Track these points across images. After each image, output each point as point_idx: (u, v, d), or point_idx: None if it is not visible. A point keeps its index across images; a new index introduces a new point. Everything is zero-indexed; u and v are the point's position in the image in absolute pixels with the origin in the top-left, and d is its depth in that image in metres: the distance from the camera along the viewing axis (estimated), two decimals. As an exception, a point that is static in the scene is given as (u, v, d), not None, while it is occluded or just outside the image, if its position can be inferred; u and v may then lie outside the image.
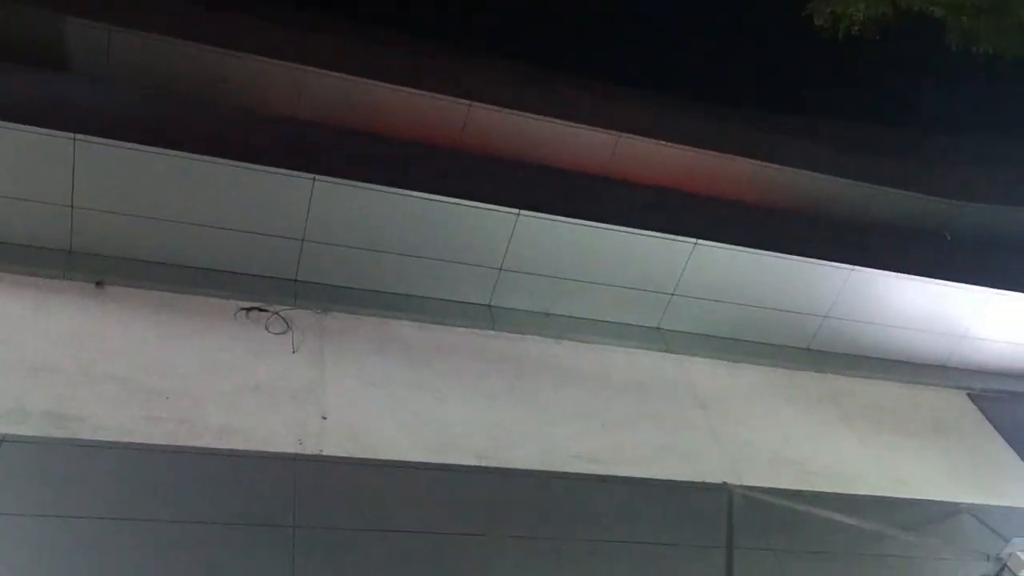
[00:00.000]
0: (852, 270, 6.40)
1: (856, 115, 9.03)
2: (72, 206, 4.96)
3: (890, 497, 5.40)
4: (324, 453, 4.41)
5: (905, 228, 7.91)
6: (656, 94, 8.20)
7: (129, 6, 6.26)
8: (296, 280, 5.50)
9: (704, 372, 6.07)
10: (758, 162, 7.65)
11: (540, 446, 4.94)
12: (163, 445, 4.14)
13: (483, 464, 4.68)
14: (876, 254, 6.77)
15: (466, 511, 4.35)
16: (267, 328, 5.13)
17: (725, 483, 5.05)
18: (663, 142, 7.32)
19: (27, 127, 4.73)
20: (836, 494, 5.24)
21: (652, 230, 5.96)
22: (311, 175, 5.21)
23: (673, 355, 6.13)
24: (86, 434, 4.06)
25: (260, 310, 5.22)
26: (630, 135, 7.25)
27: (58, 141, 4.78)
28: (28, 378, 4.26)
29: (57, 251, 5.03)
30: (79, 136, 4.79)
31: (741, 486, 5.04)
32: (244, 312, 5.17)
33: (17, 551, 3.50)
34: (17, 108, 4.86)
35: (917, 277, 6.58)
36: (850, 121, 9.07)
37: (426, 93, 6.74)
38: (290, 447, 4.39)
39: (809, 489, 5.22)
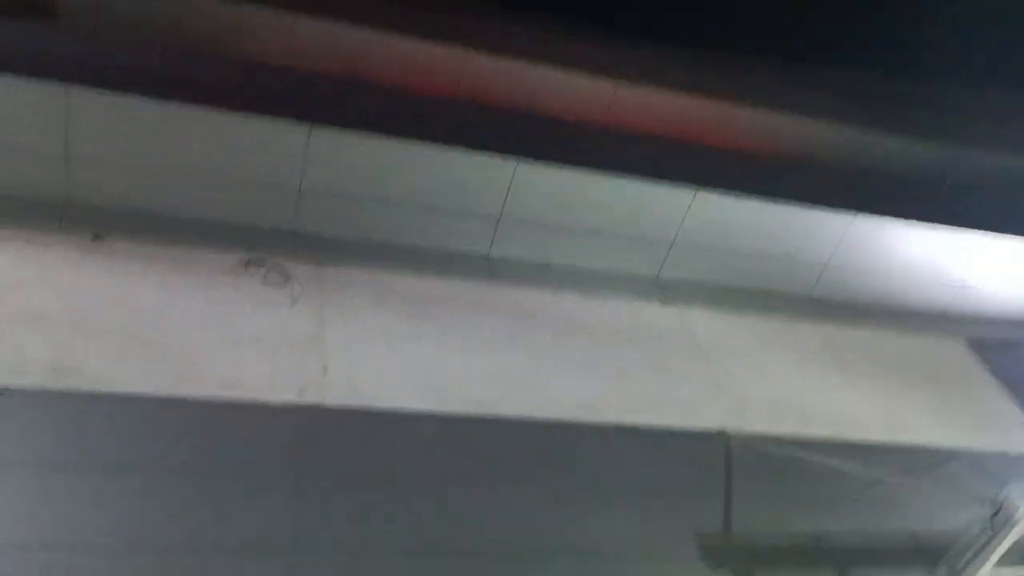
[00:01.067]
0: (853, 217, 6.37)
1: (856, 61, 8.88)
2: (67, 158, 4.92)
3: (888, 444, 5.44)
4: (324, 404, 4.44)
5: (906, 175, 7.85)
6: (655, 41, 8.06)
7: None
8: (295, 232, 5.48)
9: (704, 321, 6.08)
10: (758, 109, 7.56)
11: (539, 395, 4.97)
12: (163, 396, 4.16)
13: (482, 413, 4.71)
14: (877, 202, 6.73)
15: (466, 459, 4.40)
16: (265, 280, 5.12)
17: (723, 430, 5.09)
18: (662, 89, 7.22)
19: (18, 77, 4.67)
20: (834, 441, 5.29)
21: (652, 178, 5.93)
22: (308, 124, 5.16)
23: (673, 305, 6.14)
24: (86, 386, 4.08)
25: (258, 263, 5.21)
26: (628, 83, 7.15)
27: (51, 91, 4.72)
28: (27, 331, 4.26)
29: (53, 204, 5.01)
30: (73, 86, 4.73)
31: (740, 434, 5.08)
32: (243, 264, 5.16)
33: (20, 501, 3.54)
34: (8, 59, 4.78)
35: (918, 223, 6.56)
36: (850, 67, 8.93)
37: (422, 41, 6.62)
38: (290, 397, 4.41)
39: (807, 436, 5.26)
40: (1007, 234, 6.81)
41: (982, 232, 6.75)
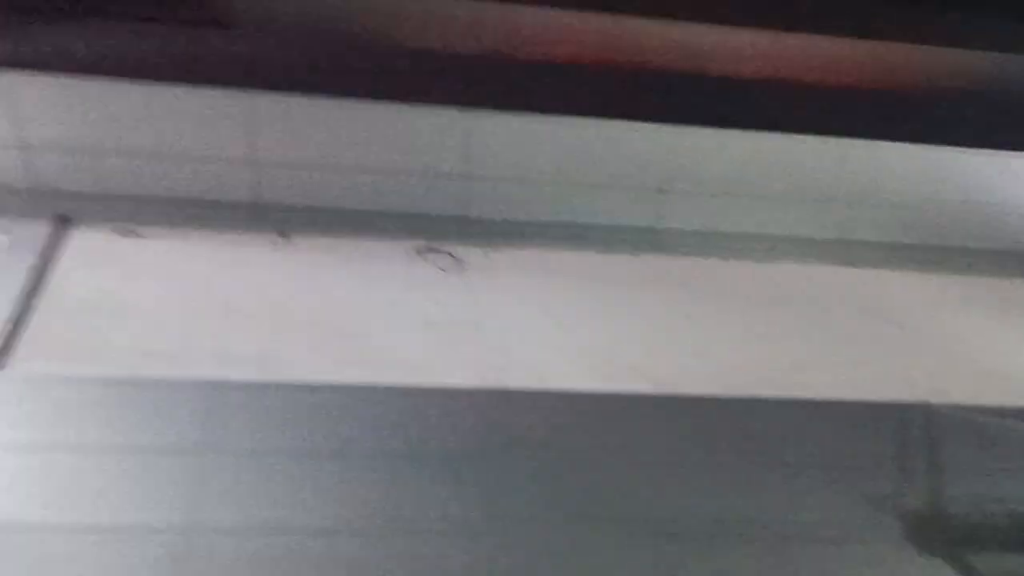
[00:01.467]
0: (1064, 160, 5.76)
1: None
2: (252, 160, 5.23)
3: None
4: (504, 386, 4.50)
5: None
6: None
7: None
8: (465, 217, 5.58)
9: (895, 284, 5.69)
10: (936, 48, 6.90)
11: (721, 370, 4.82)
12: (352, 384, 4.35)
13: (661, 391, 4.62)
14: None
15: (650, 440, 4.32)
16: (440, 267, 5.25)
17: (927, 402, 4.75)
18: (820, 36, 6.74)
19: (202, 88, 5.00)
20: (1056, 408, 4.83)
21: (819, 132, 5.58)
22: (469, 109, 5.22)
23: (858, 268, 5.78)
24: (283, 376, 4.34)
25: (433, 249, 5.34)
26: (790, 33, 6.72)
27: (232, 97, 5.02)
28: (226, 326, 4.58)
29: (244, 205, 5.34)
30: (254, 91, 5.01)
31: (945, 404, 4.72)
32: (418, 253, 5.31)
33: (237, 487, 3.80)
34: (189, 70, 5.11)
35: None
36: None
37: (572, 11, 6.49)
38: (471, 381, 4.50)
39: (1021, 404, 4.82)
40: None
41: None
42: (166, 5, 5.81)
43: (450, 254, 5.31)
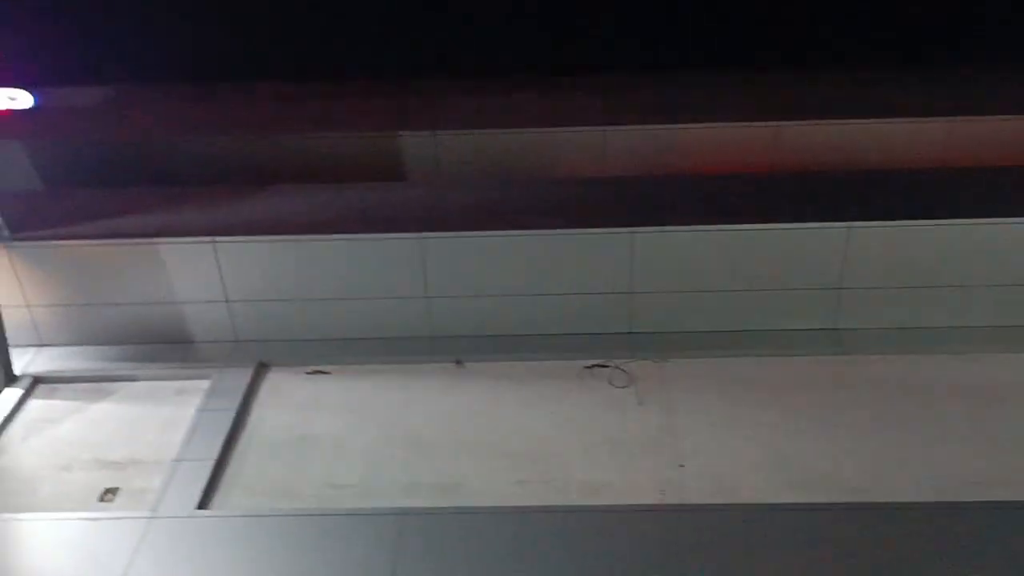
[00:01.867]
0: None
1: None
2: (426, 296, 5.55)
3: None
4: (688, 501, 4.39)
5: None
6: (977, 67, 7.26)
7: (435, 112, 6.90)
8: (631, 332, 5.62)
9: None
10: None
11: (924, 474, 4.49)
12: (535, 506, 4.39)
13: (859, 499, 4.35)
14: None
15: (846, 551, 4.05)
16: (611, 382, 5.28)
17: None
18: (998, 116, 6.45)
19: (381, 235, 5.42)
20: None
21: (1004, 216, 5.27)
22: (629, 229, 5.35)
23: (1065, 354, 5.30)
24: (468, 501, 4.44)
25: (602, 366, 5.39)
26: (963, 118, 6.49)
27: (409, 242, 5.40)
28: (414, 455, 4.78)
29: (421, 338, 5.65)
30: (425, 234, 5.38)
31: None
32: (588, 370, 5.37)
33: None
34: (370, 220, 5.56)
35: None
36: None
37: (729, 124, 6.58)
38: (651, 498, 4.43)
39: None
40: None
41: None
42: (351, 167, 6.43)
43: (621, 369, 5.33)
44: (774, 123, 6.47)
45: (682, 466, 4.62)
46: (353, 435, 4.95)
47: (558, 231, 5.43)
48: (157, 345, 5.62)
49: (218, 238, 5.44)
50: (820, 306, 5.55)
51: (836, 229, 5.33)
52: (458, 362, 5.50)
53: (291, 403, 5.23)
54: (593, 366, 5.40)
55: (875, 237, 5.33)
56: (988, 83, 7.04)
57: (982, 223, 5.30)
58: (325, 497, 4.54)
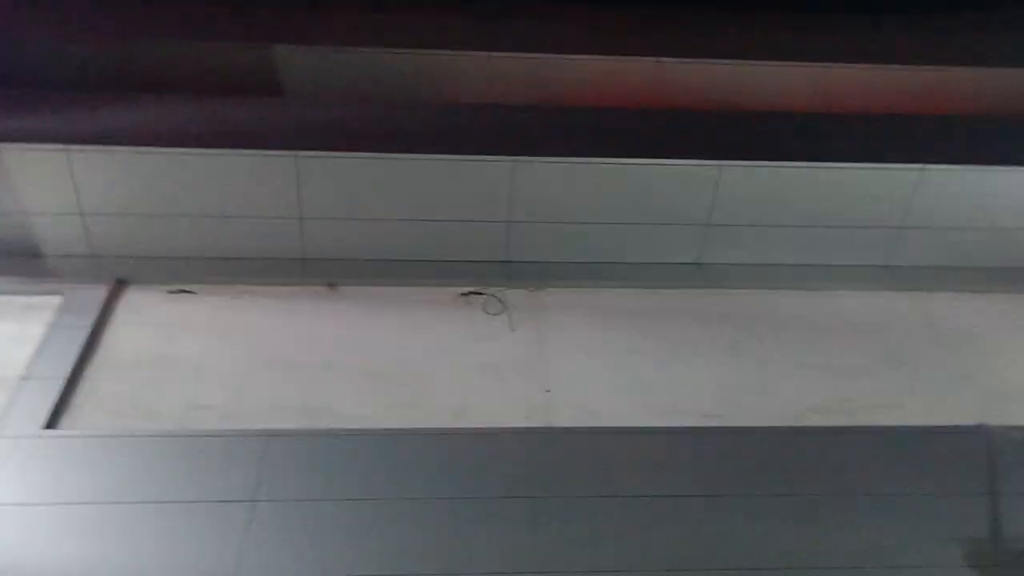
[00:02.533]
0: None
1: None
2: (301, 217, 5.40)
3: None
4: (552, 425, 4.52)
5: None
6: (850, 16, 7.52)
7: (320, 26, 6.64)
8: (508, 261, 5.66)
9: (945, 307, 5.58)
10: (979, 68, 6.83)
11: (769, 401, 4.78)
12: (403, 428, 4.43)
13: (710, 424, 4.59)
14: None
15: (700, 473, 4.29)
16: (485, 309, 5.33)
17: (982, 424, 4.62)
18: (871, 66, 6.75)
19: (253, 151, 5.21)
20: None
21: (869, 161, 5.55)
22: (511, 157, 5.34)
23: (908, 292, 5.69)
24: (336, 424, 4.43)
25: (477, 293, 5.42)
26: (835, 64, 6.74)
27: (282, 159, 5.22)
28: (281, 377, 4.71)
29: (293, 260, 5.51)
30: (299, 152, 5.20)
31: (1001, 426, 4.59)
32: (463, 297, 5.40)
33: (288, 535, 3.88)
34: (242, 135, 5.34)
35: None
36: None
37: (613, 58, 6.61)
38: (519, 422, 4.54)
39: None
40: None
41: None
42: (220, 79, 6.13)
43: (496, 297, 5.38)
44: (657, 59, 6.56)
45: (548, 391, 4.74)
46: (218, 356, 4.82)
47: (438, 156, 5.36)
48: (1, 259, 5.27)
49: (73, 146, 5.10)
50: (688, 241, 5.74)
51: (708, 167, 5.48)
52: (331, 285, 5.41)
53: (151, 322, 5.03)
54: (468, 293, 5.43)
55: (744, 176, 5.51)
56: (862, 32, 7.36)
57: (843, 167, 5.55)
58: (186, 418, 4.43)
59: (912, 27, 7.37)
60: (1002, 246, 5.85)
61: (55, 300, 5.05)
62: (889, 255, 5.86)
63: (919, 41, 7.15)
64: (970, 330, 5.41)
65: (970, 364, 5.13)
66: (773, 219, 5.69)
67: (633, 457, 4.36)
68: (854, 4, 7.45)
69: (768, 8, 7.53)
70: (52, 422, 4.29)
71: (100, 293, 5.11)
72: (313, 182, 5.31)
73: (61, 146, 5.08)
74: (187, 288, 5.28)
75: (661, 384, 4.85)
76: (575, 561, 3.83)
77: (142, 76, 5.83)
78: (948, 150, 5.78)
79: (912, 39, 7.19)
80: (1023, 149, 5.85)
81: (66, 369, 4.57)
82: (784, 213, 5.67)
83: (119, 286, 5.24)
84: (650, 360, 5.01)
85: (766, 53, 6.73)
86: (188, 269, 5.37)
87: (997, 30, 7.41)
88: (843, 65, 6.68)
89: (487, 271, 5.57)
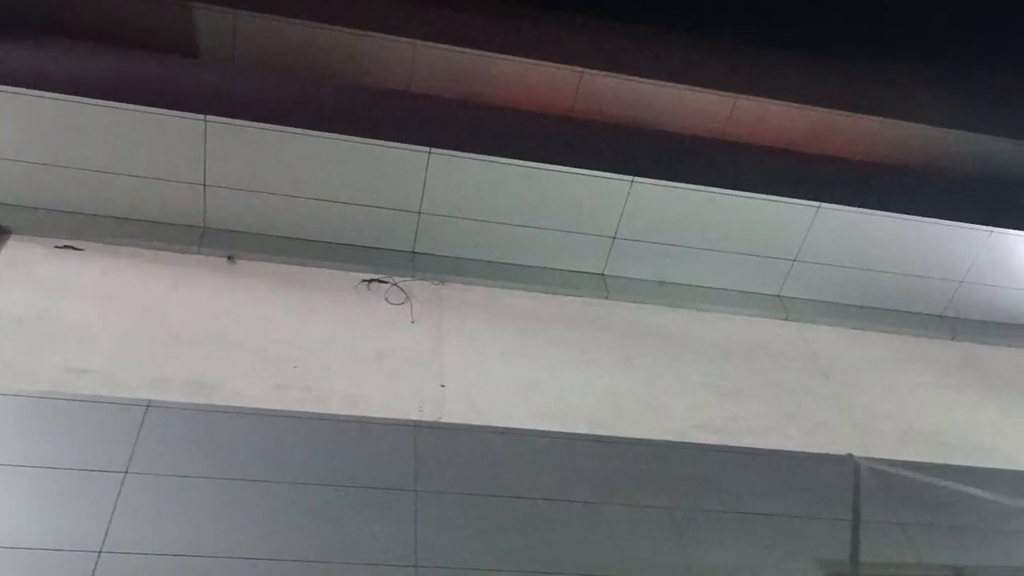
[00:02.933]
0: (991, 232, 6.02)
1: (989, 63, 8.32)
2: (205, 184, 5.23)
3: (1033, 472, 5.11)
4: (443, 420, 4.53)
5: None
6: (769, 52, 7.83)
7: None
8: (414, 252, 5.63)
9: (828, 340, 5.87)
10: (882, 119, 7.23)
11: (656, 415, 4.92)
12: (290, 411, 4.34)
13: (597, 432, 4.69)
14: (1017, 213, 6.34)
15: (581, 479, 4.38)
16: (387, 299, 5.28)
17: (851, 455, 4.89)
18: (782, 102, 7.02)
19: (161, 110, 5.00)
20: (971, 467, 4.99)
21: (771, 194, 5.78)
22: (427, 148, 5.30)
23: (795, 323, 5.96)
24: (221, 400, 4.31)
25: (380, 281, 5.38)
26: (747, 96, 6.99)
27: (191, 123, 5.03)
28: (169, 348, 4.55)
29: (192, 228, 5.33)
30: (210, 117, 5.03)
31: (868, 458, 4.86)
32: (365, 284, 5.34)
33: (160, 508, 3.76)
34: (152, 93, 5.13)
35: (1062, 238, 6.15)
36: (983, 70, 8.40)
37: (538, 63, 6.66)
38: (411, 414, 4.52)
39: (942, 462, 4.99)
40: None
41: None
42: (136, 32, 5.87)
43: (399, 287, 5.34)
44: (580, 69, 6.65)
45: (443, 386, 4.74)
46: (102, 320, 4.61)
47: (354, 138, 5.27)
48: None
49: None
50: (594, 252, 5.84)
51: (620, 181, 5.59)
52: (230, 258, 5.26)
53: (33, 278, 4.77)
54: (371, 280, 5.37)
55: (653, 194, 5.64)
56: (770, 67, 7.63)
57: (747, 197, 5.75)
58: (62, 382, 4.21)
59: (835, 72, 7.74)
60: (882, 288, 6.19)
61: (-73, 244, 4.75)
62: (781, 285, 6.11)
63: (840, 85, 7.51)
64: (848, 364, 5.70)
65: (845, 396, 5.41)
66: (676, 239, 5.86)
67: (518, 459, 4.41)
68: (783, 41, 7.78)
69: (704, 36, 7.79)
70: (-87, 373, 4.02)
71: (-21, 241, 4.83)
72: (222, 150, 5.15)
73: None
74: (75, 244, 5.03)
75: (553, 389, 4.92)
76: (453, 556, 3.84)
77: (52, 17, 5.54)
78: (843, 193, 6.08)
79: (839, 83, 7.55)
80: (912, 199, 6.22)
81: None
82: (687, 234, 5.85)
83: (1, 235, 4.95)
84: (545, 364, 5.07)
85: (690, 79, 6.95)
86: (79, 224, 5.12)
87: (902, 83, 7.85)
88: (759, 99, 6.97)
89: (393, 260, 5.53)
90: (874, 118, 7.14)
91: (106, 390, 4.22)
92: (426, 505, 4.02)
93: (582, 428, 4.70)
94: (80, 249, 5.02)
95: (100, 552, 3.50)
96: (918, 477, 4.73)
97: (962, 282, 6.23)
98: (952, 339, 6.20)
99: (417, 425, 4.44)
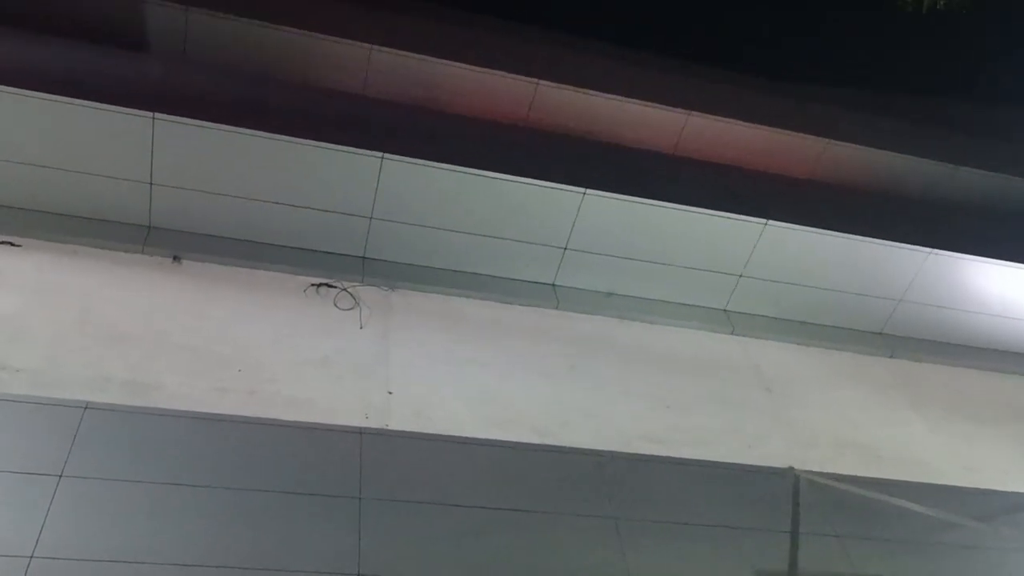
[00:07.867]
0: (929, 253, 6.21)
1: (932, 89, 8.64)
2: (151, 183, 5.12)
3: (962, 486, 5.25)
4: (389, 427, 4.49)
5: (986, 209, 7.62)
6: (721, 71, 8.01)
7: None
8: (364, 257, 5.59)
9: (771, 355, 5.98)
10: (829, 140, 7.43)
11: (601, 425, 4.95)
12: (233, 415, 4.26)
13: (544, 442, 4.70)
14: (955, 236, 6.55)
15: (526, 488, 4.38)
16: (336, 304, 5.23)
17: (791, 467, 4.98)
18: (732, 120, 7.16)
19: (108, 106, 4.89)
20: (905, 481, 5.12)
21: (720, 210, 5.88)
22: (380, 153, 5.27)
23: (739, 337, 6.06)
24: (162, 403, 4.22)
25: (329, 286, 5.32)
26: (698, 113, 7.11)
27: (138, 119, 4.93)
28: (109, 348, 4.43)
29: (137, 226, 5.21)
30: (158, 115, 4.93)
31: (807, 471, 4.96)
32: (314, 288, 5.28)
33: (96, 512, 3.66)
34: (99, 87, 5.02)
35: (998, 261, 6.35)
36: (926, 95, 8.72)
37: (494, 72, 6.69)
38: (356, 420, 4.48)
39: (877, 476, 5.11)
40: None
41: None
42: (83, 24, 5.73)
43: (348, 292, 5.30)
44: (535, 80, 6.70)
45: (391, 393, 4.71)
46: (40, 317, 4.48)
47: (305, 140, 5.22)
48: None
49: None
50: (544, 262, 5.86)
51: (572, 193, 5.63)
52: (175, 258, 5.16)
53: (-31, 272, 4.63)
54: (320, 285, 5.32)
55: (604, 207, 5.69)
56: (721, 88, 7.79)
57: (696, 212, 5.84)
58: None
59: (784, 93, 7.93)
60: (825, 304, 6.33)
61: None
62: (727, 300, 6.21)
63: (788, 106, 7.69)
64: (790, 379, 5.82)
65: (785, 410, 5.51)
66: (626, 251, 5.91)
67: (464, 467, 4.39)
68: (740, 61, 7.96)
69: (659, 53, 7.92)
70: None
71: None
72: (169, 148, 5.05)
73: None
74: (12, 240, 4.89)
75: (499, 397, 4.92)
76: (397, 566, 3.81)
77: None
78: (790, 210, 6.21)
79: (787, 105, 7.72)
80: (854, 218, 6.38)
81: None
82: (637, 247, 5.91)
83: (-65, 228, 4.80)
84: (492, 372, 5.07)
85: (640, 93, 7.04)
86: (16, 220, 4.97)
87: (848, 106, 8.07)
88: (710, 116, 7.09)
89: (342, 265, 5.48)
90: (820, 139, 7.34)
91: (41, 390, 4.10)
92: (370, 513, 3.98)
93: (527, 437, 4.70)
94: (18, 245, 4.88)
95: (32, 557, 3.40)
96: (854, 490, 4.83)
97: (901, 301, 6.40)
98: (891, 356, 6.36)
99: (363, 432, 4.39)
